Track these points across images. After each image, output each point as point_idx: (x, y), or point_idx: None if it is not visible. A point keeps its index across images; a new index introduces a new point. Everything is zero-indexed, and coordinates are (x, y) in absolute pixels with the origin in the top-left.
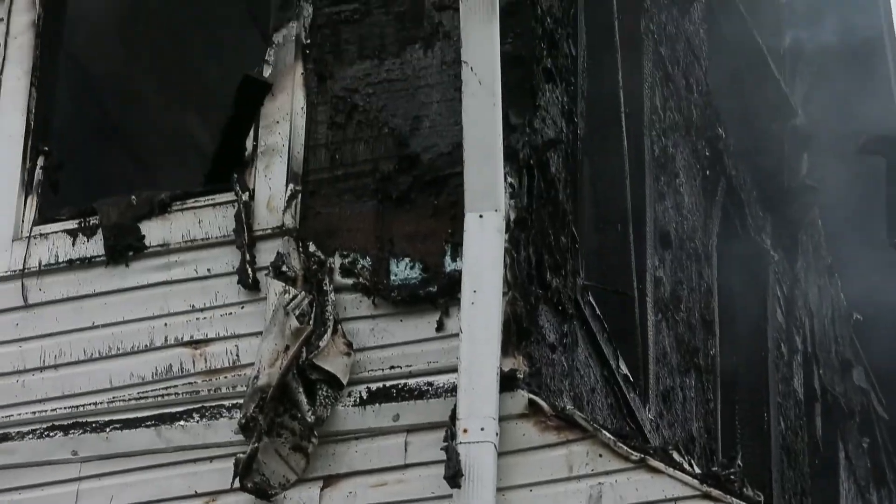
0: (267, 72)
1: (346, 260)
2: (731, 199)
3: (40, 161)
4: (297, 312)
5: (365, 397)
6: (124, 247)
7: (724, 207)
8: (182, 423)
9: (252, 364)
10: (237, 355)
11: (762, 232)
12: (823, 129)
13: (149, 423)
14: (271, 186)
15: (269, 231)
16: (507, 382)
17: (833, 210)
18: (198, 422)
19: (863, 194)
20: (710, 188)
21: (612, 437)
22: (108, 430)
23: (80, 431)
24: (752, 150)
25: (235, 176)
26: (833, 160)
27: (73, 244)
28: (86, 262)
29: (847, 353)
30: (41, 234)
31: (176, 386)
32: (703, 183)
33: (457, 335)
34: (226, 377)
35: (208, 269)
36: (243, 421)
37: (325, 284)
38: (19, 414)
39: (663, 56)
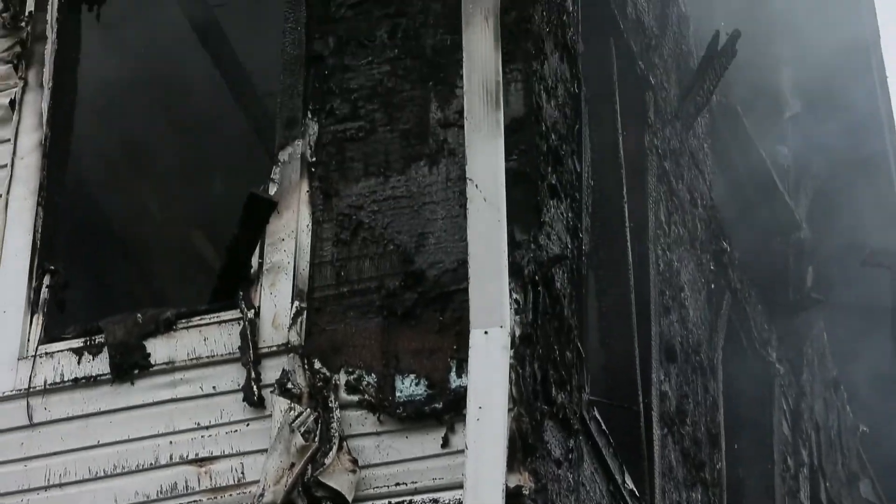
0: (272, 189)
1: (352, 377)
2: (736, 312)
3: (46, 280)
4: (302, 430)
5: None
6: (130, 365)
7: (730, 321)
8: None
9: (257, 481)
10: (242, 473)
11: (767, 345)
12: (828, 242)
13: None
14: (277, 304)
15: (274, 348)
16: (512, 499)
17: (838, 323)
18: None
19: (868, 307)
20: (716, 302)
21: None
22: None
23: None
24: (757, 264)
25: (241, 293)
26: (838, 273)
27: (79, 362)
28: (91, 381)
29: (854, 465)
30: (47, 353)
31: None
32: (708, 296)
33: (462, 451)
34: (231, 495)
35: (214, 387)
36: None
37: (331, 401)
38: None
39: (667, 171)
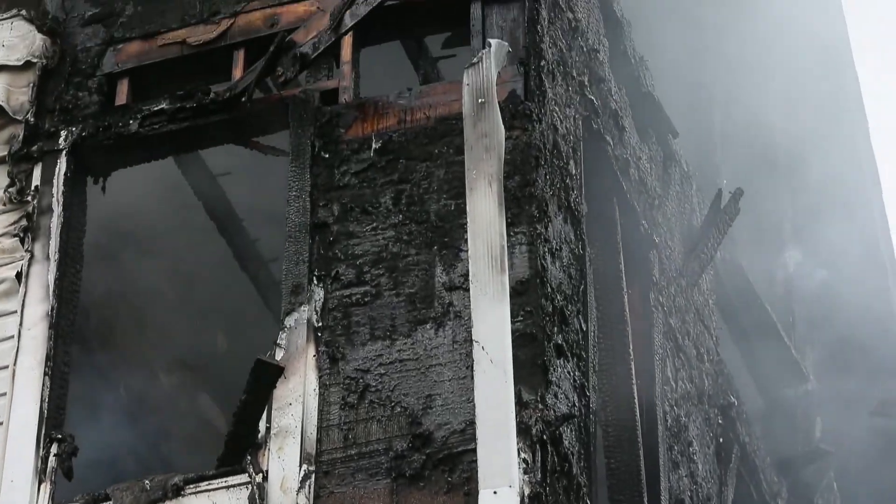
0: (279, 354)
1: None
2: (745, 465)
3: (54, 448)
4: None
5: None
6: None
7: (739, 474)
8: None
9: None
10: None
11: (777, 497)
12: (836, 394)
13: None
14: (285, 467)
15: None
16: None
17: (849, 473)
18: None
19: (877, 457)
20: (724, 455)
21: None
22: None
23: None
24: (765, 417)
25: (249, 458)
26: (847, 424)
27: None
28: None
29: None
30: None
31: None
32: (716, 450)
33: None
34: None
35: None
36: None
37: None
38: None
39: (673, 327)
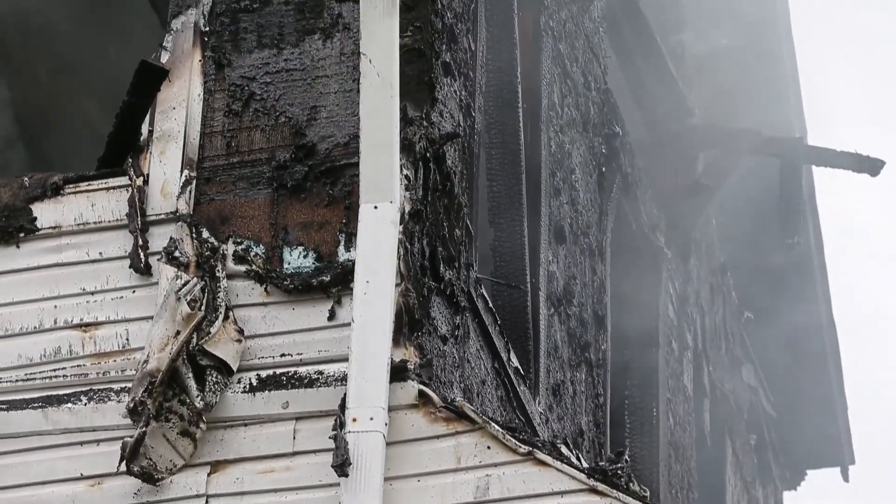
0: (165, 58)
1: (240, 247)
2: (626, 195)
3: None
4: (188, 298)
5: (255, 384)
6: (15, 228)
7: (619, 204)
8: (69, 405)
9: (142, 348)
10: (127, 339)
11: (656, 229)
12: (721, 130)
13: (35, 404)
14: (166, 172)
15: (162, 216)
16: (398, 373)
17: (727, 209)
18: (85, 405)
19: (756, 194)
20: (606, 185)
21: (500, 430)
22: None
23: None
24: (649, 148)
25: (130, 160)
26: (728, 160)
27: None
28: None
29: (737, 350)
30: None
31: (64, 368)
32: (598, 179)
33: (349, 325)
34: (115, 361)
35: (100, 253)
36: (131, 405)
37: (218, 271)
38: None
39: (562, 53)
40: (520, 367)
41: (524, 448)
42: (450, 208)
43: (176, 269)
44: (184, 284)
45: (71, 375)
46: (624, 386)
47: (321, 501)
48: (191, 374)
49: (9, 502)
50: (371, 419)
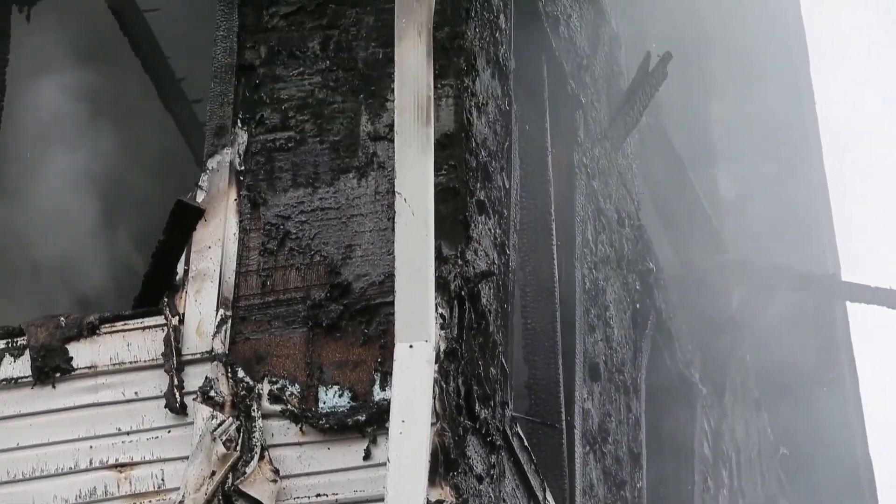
0: (200, 197)
1: (275, 386)
2: (660, 332)
3: None
4: (224, 438)
5: None
6: (52, 368)
7: (654, 340)
8: None
9: (177, 489)
10: (162, 479)
11: (691, 366)
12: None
13: None
14: (201, 311)
15: (198, 356)
16: None
17: (761, 344)
18: None
19: (792, 330)
20: (640, 321)
21: None
22: None
23: None
24: (683, 285)
25: (166, 300)
26: (762, 296)
27: (0, 364)
28: (12, 383)
29: (773, 487)
30: None
31: None
32: (633, 316)
33: (384, 464)
34: (150, 501)
35: (136, 393)
36: None
37: (254, 410)
38: None
39: (595, 190)
40: None
41: None
42: (485, 346)
43: (211, 409)
44: (219, 424)
45: None
46: None
47: None
48: None
49: None
50: None
